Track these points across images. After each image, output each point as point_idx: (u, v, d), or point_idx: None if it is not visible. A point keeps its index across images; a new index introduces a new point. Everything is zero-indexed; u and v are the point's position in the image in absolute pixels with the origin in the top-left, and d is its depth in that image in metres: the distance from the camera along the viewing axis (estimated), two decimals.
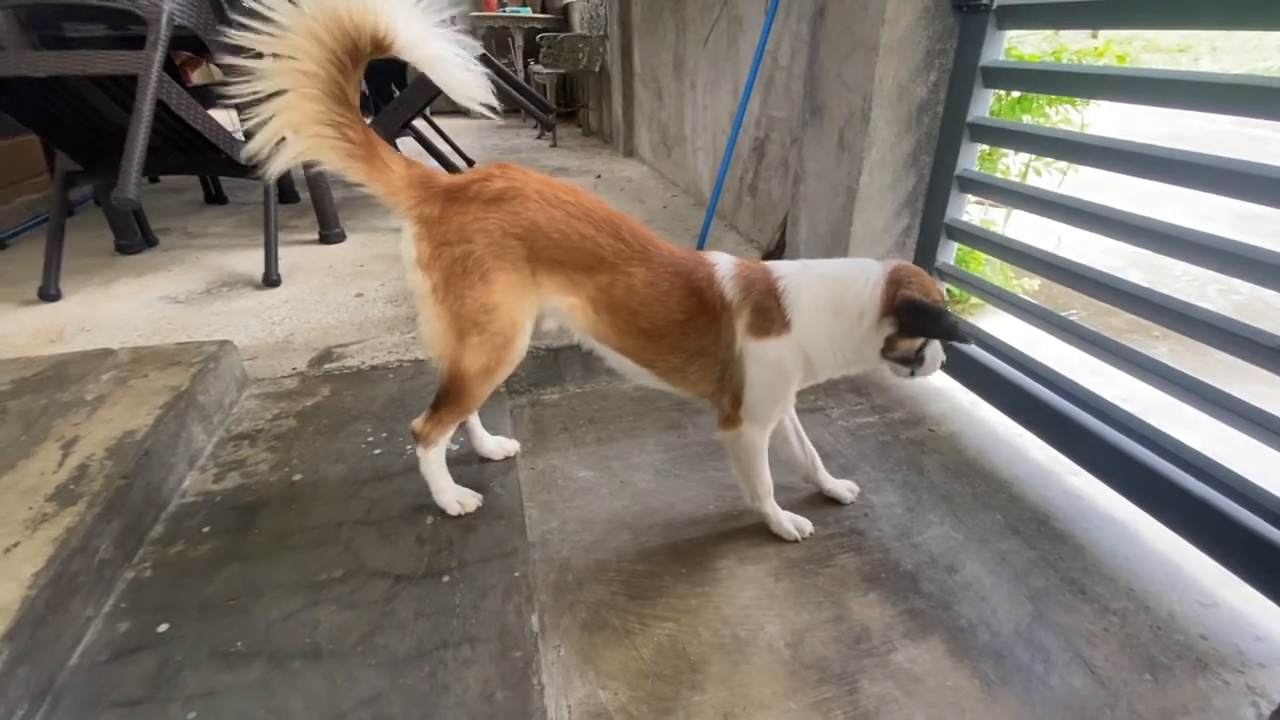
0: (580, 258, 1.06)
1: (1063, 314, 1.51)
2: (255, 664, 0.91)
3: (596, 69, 5.09)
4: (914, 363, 1.17)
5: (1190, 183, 1.18)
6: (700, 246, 2.50)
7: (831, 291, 1.12)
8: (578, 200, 1.08)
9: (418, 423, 1.16)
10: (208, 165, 2.58)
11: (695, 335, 1.12)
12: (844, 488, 1.41)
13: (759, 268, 1.15)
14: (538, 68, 5.38)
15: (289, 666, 0.90)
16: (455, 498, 1.21)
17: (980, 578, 1.24)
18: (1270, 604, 1.11)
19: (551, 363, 1.83)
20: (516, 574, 1.06)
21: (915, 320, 1.09)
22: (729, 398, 1.19)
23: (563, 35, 5.19)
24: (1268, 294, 1.13)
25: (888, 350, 1.14)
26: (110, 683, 0.90)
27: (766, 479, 1.28)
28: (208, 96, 3.01)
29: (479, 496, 1.23)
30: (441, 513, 1.21)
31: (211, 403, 1.43)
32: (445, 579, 1.05)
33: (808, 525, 1.33)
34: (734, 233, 2.87)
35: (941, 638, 1.12)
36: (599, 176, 4.05)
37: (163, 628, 0.98)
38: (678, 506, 1.42)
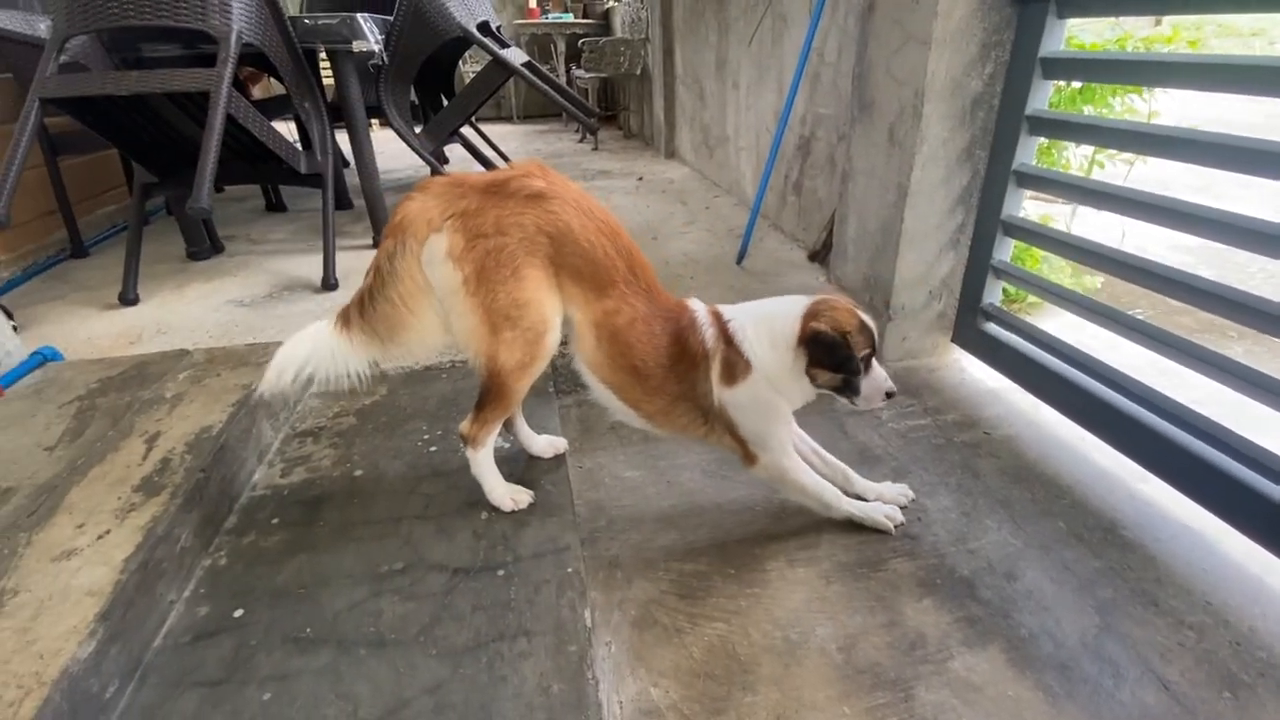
0: (599, 274, 1.08)
1: (1129, 312, 1.44)
2: (324, 650, 0.95)
3: (638, 72, 5.12)
4: (847, 392, 1.17)
5: (1268, 172, 1.12)
6: (744, 246, 2.49)
7: (766, 327, 1.16)
8: (607, 219, 1.10)
9: (464, 425, 1.19)
10: (270, 175, 2.71)
11: (676, 381, 1.16)
12: (894, 493, 1.38)
13: (717, 313, 1.20)
14: (579, 72, 5.44)
15: (355, 653, 0.94)
16: (508, 494, 1.24)
17: (1042, 586, 1.20)
18: None
19: None
20: (569, 569, 1.08)
21: (817, 351, 1.12)
22: (729, 438, 1.23)
23: (604, 40, 5.23)
24: None
25: (814, 380, 1.17)
26: (192, 663, 0.95)
27: (826, 488, 1.29)
28: (268, 109, 3.15)
29: (530, 493, 1.26)
30: (495, 509, 1.24)
31: (278, 401, 1.50)
32: (500, 573, 1.08)
33: (898, 514, 1.32)
34: (778, 232, 2.85)
35: (1001, 647, 1.09)
36: (640, 178, 4.07)
37: (238, 613, 1.03)
38: (725, 507, 1.42)
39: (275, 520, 1.22)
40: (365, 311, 1.07)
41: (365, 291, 1.07)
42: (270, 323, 2.08)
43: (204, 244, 2.74)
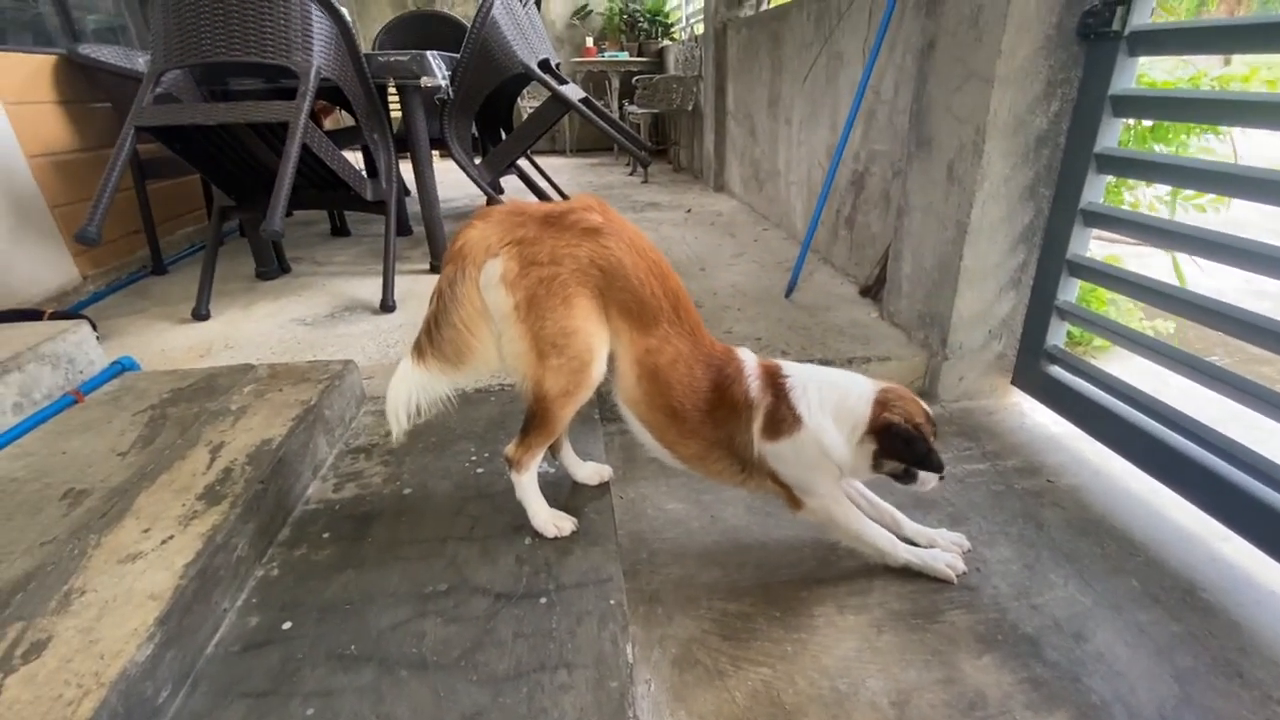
0: (644, 312, 1.08)
1: (1205, 358, 1.36)
2: (367, 668, 0.95)
3: (689, 108, 5.21)
4: (904, 479, 1.18)
5: None
6: (794, 280, 2.47)
7: (833, 397, 1.14)
8: (658, 260, 1.12)
9: (510, 449, 1.20)
10: (339, 201, 2.84)
11: (714, 427, 1.15)
12: (948, 540, 1.32)
13: (771, 367, 1.17)
14: (632, 108, 5.57)
15: (397, 674, 0.94)
16: (550, 520, 1.23)
17: (1114, 649, 1.12)
18: None
19: None
20: (611, 601, 1.06)
21: (893, 444, 1.11)
22: (771, 484, 1.20)
23: (657, 77, 5.36)
24: None
25: (876, 465, 1.16)
26: (241, 673, 0.97)
27: (881, 534, 1.25)
28: (339, 139, 3.32)
29: (574, 520, 1.25)
30: (538, 534, 1.23)
31: (334, 417, 1.55)
32: (543, 601, 1.07)
33: (960, 562, 1.27)
34: (829, 266, 2.82)
35: (1070, 714, 1.01)
36: (689, 211, 4.11)
37: (287, 625, 1.05)
38: (770, 546, 1.38)
39: (326, 535, 1.25)
40: (433, 338, 1.10)
41: (430, 319, 1.10)
42: (330, 341, 2.15)
43: (272, 265, 2.88)
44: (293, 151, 1.97)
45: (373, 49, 4.00)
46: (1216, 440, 1.32)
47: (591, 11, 7.02)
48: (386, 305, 2.38)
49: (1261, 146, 2.17)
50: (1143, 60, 1.53)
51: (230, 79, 2.82)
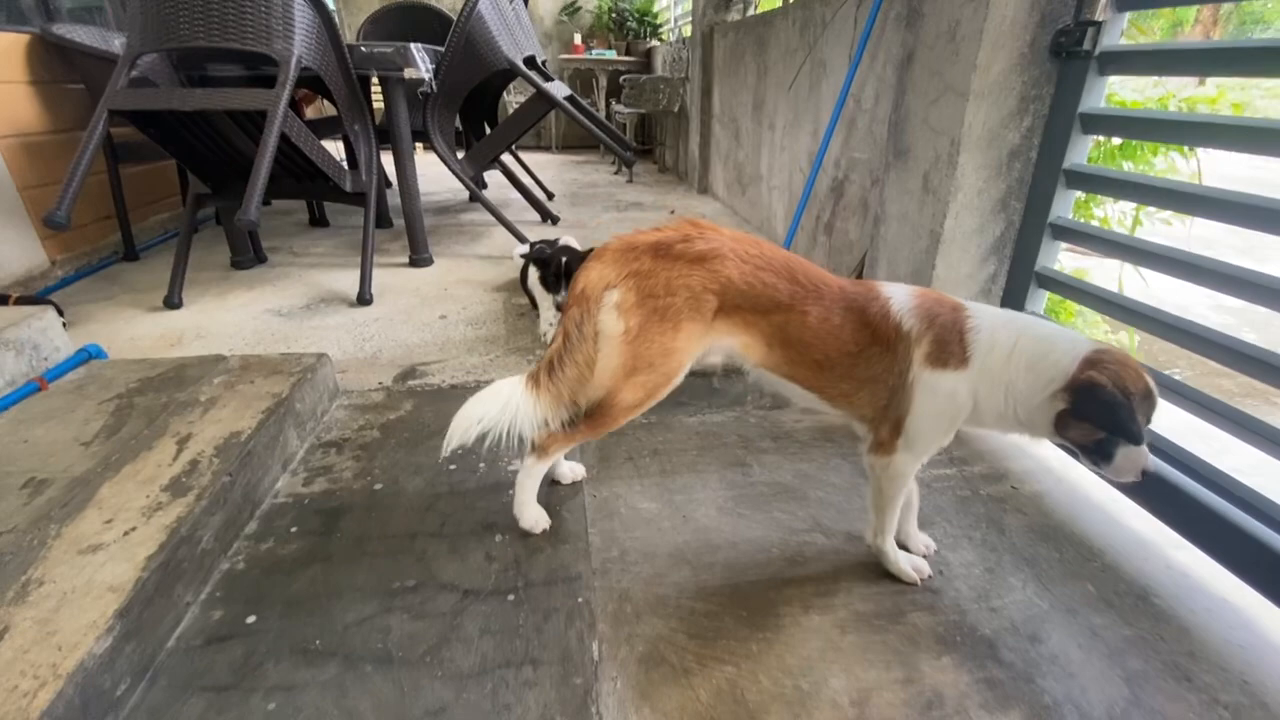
0: (760, 303, 1.13)
1: (1166, 372, 1.41)
2: (331, 663, 0.95)
3: (675, 109, 5.23)
4: (1095, 454, 1.07)
5: None
6: None
7: (1034, 347, 1.08)
8: (760, 251, 1.15)
9: (542, 435, 1.20)
10: (317, 191, 2.81)
11: (866, 365, 1.15)
12: (921, 542, 1.35)
13: (947, 302, 1.15)
14: (619, 107, 5.57)
15: (361, 669, 0.94)
16: (535, 516, 1.25)
17: (1068, 651, 1.15)
18: None
19: None
20: (579, 599, 1.07)
21: (1088, 405, 1.02)
22: (890, 425, 1.18)
23: (645, 77, 5.37)
24: None
25: (1060, 428, 1.08)
26: (202, 667, 0.96)
27: (897, 517, 1.27)
28: (319, 129, 3.29)
29: (548, 520, 1.26)
30: (510, 532, 1.23)
31: (306, 410, 1.53)
32: (510, 598, 1.07)
33: (925, 567, 1.29)
34: None
35: (1023, 714, 1.04)
36: (673, 211, 4.13)
37: (251, 619, 1.04)
38: (740, 546, 1.40)
39: (294, 529, 1.24)
40: (554, 374, 1.13)
41: (555, 355, 1.14)
42: (305, 333, 2.13)
43: (248, 254, 2.84)
44: (271, 140, 1.95)
45: (357, 39, 3.96)
46: (1173, 452, 1.36)
47: (580, 9, 7.01)
48: (364, 298, 2.36)
49: (1230, 165, 2.24)
50: (1113, 79, 1.57)
51: (208, 65, 2.77)
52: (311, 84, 2.71)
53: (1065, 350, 1.06)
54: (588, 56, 6.65)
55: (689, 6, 5.00)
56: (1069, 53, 1.49)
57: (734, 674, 1.10)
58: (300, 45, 2.15)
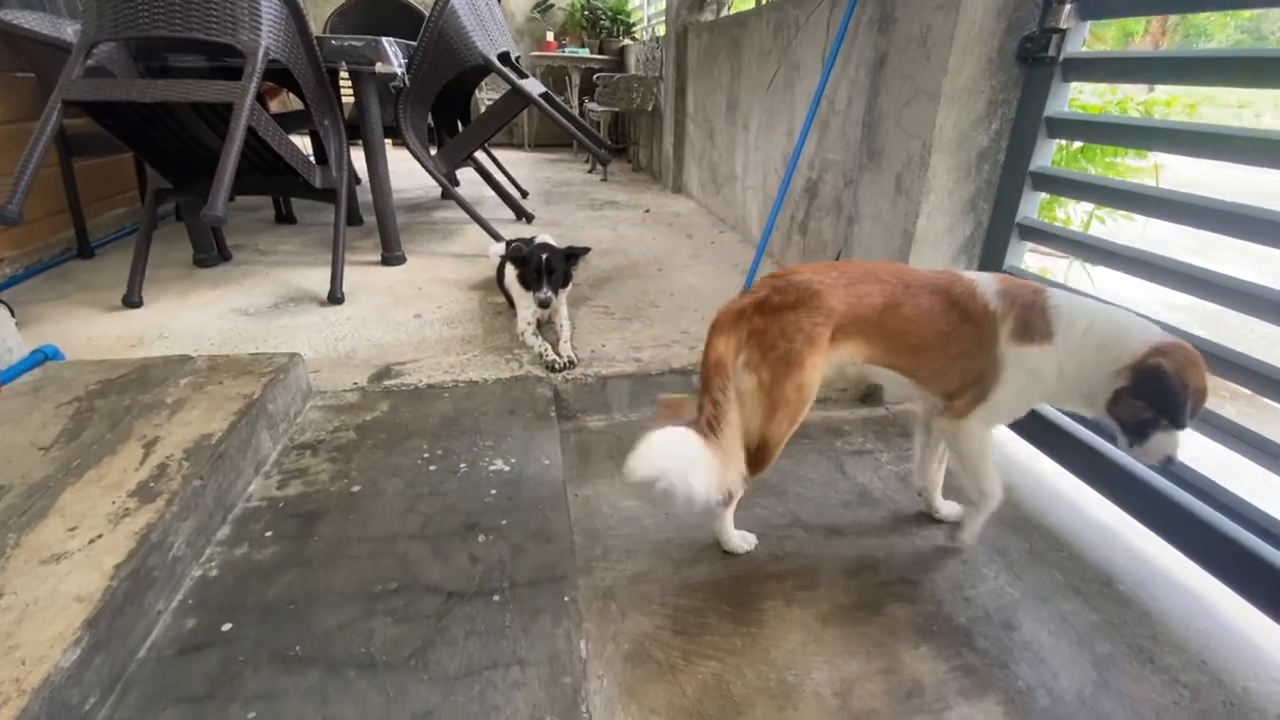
0: (859, 313, 1.22)
1: None
2: (312, 670, 0.93)
3: (649, 108, 5.23)
4: (1134, 433, 1.14)
5: (1259, 238, 1.15)
6: (749, 283, 2.52)
7: (1108, 328, 1.16)
8: (841, 270, 1.26)
9: (725, 495, 1.24)
10: (284, 187, 2.74)
11: (958, 342, 1.22)
12: (949, 509, 1.49)
13: (1027, 285, 1.24)
14: (593, 105, 5.55)
15: (344, 675, 0.92)
16: (739, 540, 1.38)
17: (1040, 638, 1.19)
18: None
19: (599, 390, 1.86)
20: (566, 598, 1.07)
21: (1148, 385, 1.09)
22: (970, 395, 1.26)
23: (618, 76, 5.36)
24: None
25: (1114, 403, 1.15)
26: (176, 677, 0.93)
27: (995, 478, 1.32)
28: (286, 123, 3.20)
29: (754, 539, 1.40)
30: (493, 532, 1.22)
31: (279, 412, 1.50)
32: (496, 598, 1.06)
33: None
34: None
35: (998, 699, 1.08)
36: (648, 211, 4.13)
37: (226, 627, 1.01)
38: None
39: (269, 533, 1.20)
40: (713, 439, 1.18)
41: (710, 420, 1.19)
42: (274, 333, 2.07)
43: (212, 251, 2.75)
44: (237, 134, 1.89)
45: (324, 31, 3.87)
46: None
47: (553, 6, 6.96)
48: (335, 297, 2.31)
49: (1187, 169, 2.33)
50: (1075, 85, 1.63)
51: (170, 55, 2.67)
52: (278, 77, 2.64)
53: (1138, 335, 1.13)
54: (561, 54, 6.61)
55: (662, 6, 5.01)
56: (1034, 59, 1.54)
57: (719, 669, 1.12)
58: (268, 37, 2.09)
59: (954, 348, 1.23)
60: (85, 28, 2.09)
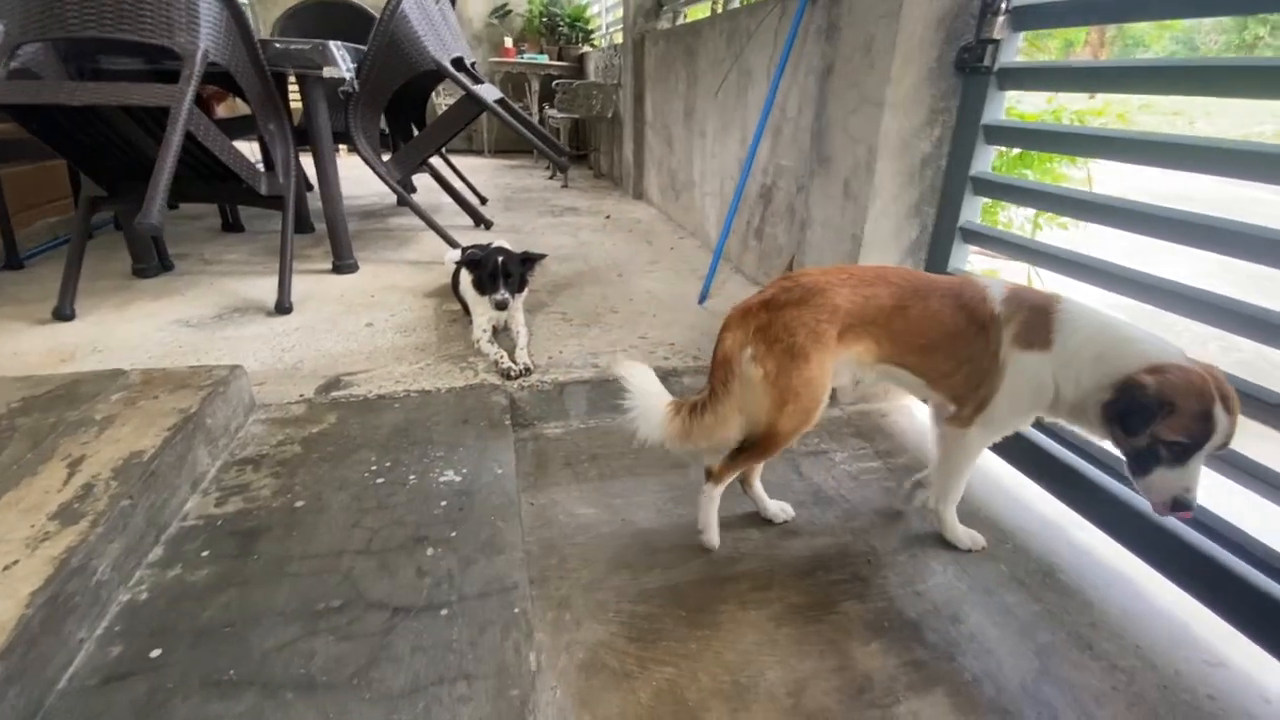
0: (867, 313, 1.26)
1: None
2: (247, 694, 0.89)
3: (609, 115, 5.25)
4: (1134, 465, 1.07)
5: (1186, 240, 1.21)
6: (707, 288, 2.54)
7: (1109, 341, 1.12)
8: (851, 273, 1.30)
9: (717, 463, 1.35)
10: (228, 194, 2.66)
11: (966, 345, 1.24)
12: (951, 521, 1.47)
13: (1039, 294, 1.24)
14: (552, 112, 5.54)
15: (281, 697, 0.89)
16: (714, 536, 1.39)
17: (985, 629, 1.22)
18: (1279, 664, 1.09)
19: (556, 397, 1.84)
20: (516, 610, 1.05)
21: (1118, 398, 1.05)
22: (976, 403, 1.27)
23: (578, 82, 5.36)
24: (1271, 352, 1.14)
25: (1104, 422, 1.10)
26: (98, 709, 0.88)
27: (962, 487, 1.38)
28: (233, 128, 3.10)
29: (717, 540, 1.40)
30: (442, 545, 1.20)
31: (218, 426, 1.44)
32: (444, 612, 1.04)
33: (980, 539, 1.41)
34: (740, 275, 2.91)
35: (946, 691, 1.10)
36: (608, 217, 4.13)
37: (155, 653, 0.96)
38: (679, 547, 1.41)
39: (205, 553, 1.16)
40: (694, 415, 1.29)
41: (700, 401, 1.30)
42: (217, 345, 2.00)
43: (152, 261, 2.64)
44: (174, 139, 1.83)
45: (272, 34, 3.77)
46: (1073, 439, 1.47)
47: (511, 12, 6.94)
48: (283, 306, 2.25)
49: (1121, 176, 2.44)
50: (1013, 94, 1.69)
51: (103, 57, 2.57)
52: (223, 81, 2.56)
53: (1141, 351, 1.07)
54: (519, 60, 6.58)
55: (621, 13, 5.04)
56: (972, 68, 1.59)
57: (674, 674, 1.11)
58: (207, 39, 2.03)
59: (962, 350, 1.25)
60: (8, 28, 1.99)
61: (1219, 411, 0.98)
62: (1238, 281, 1.70)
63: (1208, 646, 1.20)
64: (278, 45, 2.35)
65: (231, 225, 3.39)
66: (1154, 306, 1.29)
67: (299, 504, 1.28)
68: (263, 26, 5.87)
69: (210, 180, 2.41)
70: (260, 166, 2.37)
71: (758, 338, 1.25)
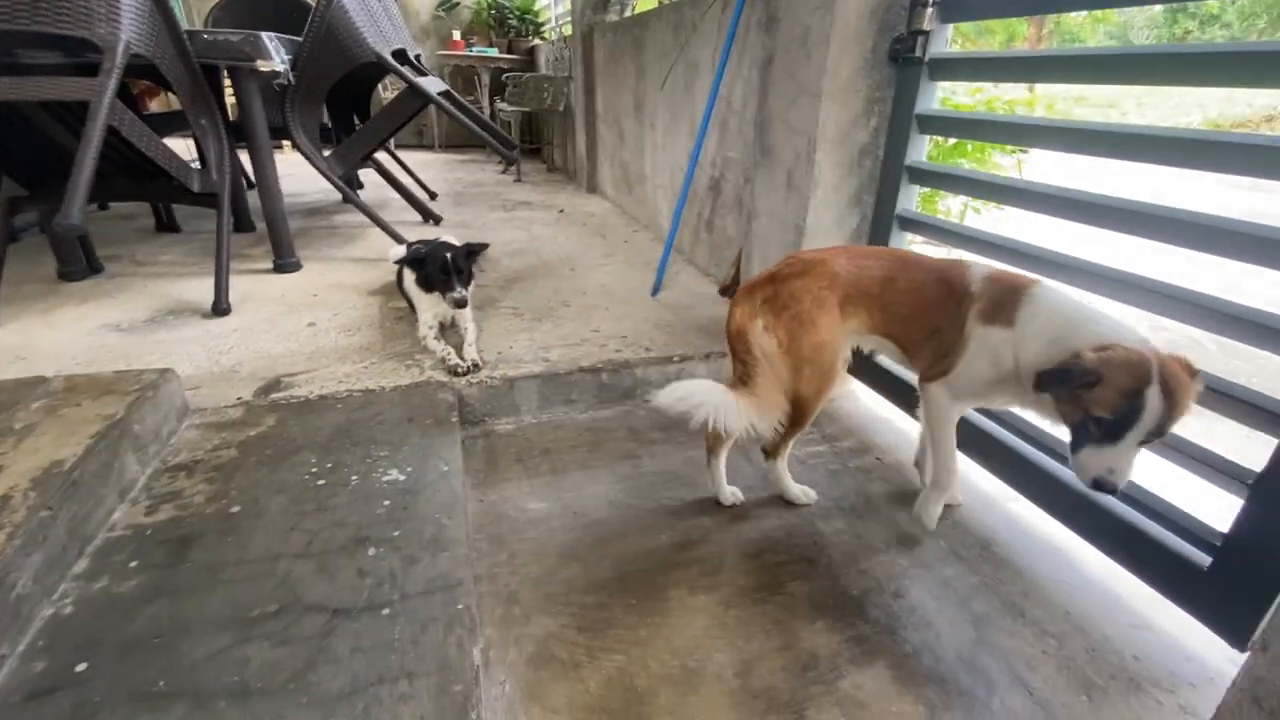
0: (863, 283, 1.34)
1: None
2: (177, 704, 0.86)
3: (561, 108, 5.21)
4: (1071, 442, 1.10)
5: (1107, 225, 1.26)
6: (659, 280, 2.55)
7: (1067, 324, 1.13)
8: (853, 249, 1.42)
9: (768, 443, 1.46)
10: (159, 192, 2.55)
11: (939, 315, 1.31)
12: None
13: (1019, 278, 1.27)
14: (503, 106, 5.47)
15: (213, 706, 0.86)
16: (800, 492, 1.53)
17: (925, 603, 1.27)
18: (1199, 625, 1.15)
19: (506, 392, 1.83)
20: (460, 606, 1.04)
21: (1047, 376, 1.07)
22: (940, 367, 1.33)
23: (528, 75, 5.30)
24: (1193, 330, 1.21)
25: (1035, 390, 1.12)
26: None
27: (954, 463, 1.40)
28: (165, 124, 2.97)
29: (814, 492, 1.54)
30: (384, 545, 1.18)
31: (148, 433, 1.38)
32: (385, 612, 1.02)
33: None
34: (692, 268, 2.93)
35: (887, 664, 1.13)
36: (562, 211, 4.11)
37: (81, 667, 0.93)
38: (630, 537, 1.42)
39: (134, 563, 1.11)
40: (748, 391, 1.33)
41: (741, 377, 1.36)
42: (149, 349, 1.92)
43: (79, 264, 2.52)
44: (94, 135, 1.74)
45: (206, 25, 3.62)
46: (1008, 418, 1.53)
47: (458, 4, 6.81)
48: (220, 308, 2.17)
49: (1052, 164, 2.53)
50: (947, 84, 1.74)
51: (22, 52, 2.42)
52: (150, 74, 2.44)
53: (1096, 333, 1.08)
54: (469, 53, 6.47)
55: (570, 6, 4.99)
56: (904, 59, 1.63)
57: (624, 662, 1.12)
58: (129, 30, 1.93)
59: (933, 321, 1.32)
60: None
61: (1151, 394, 0.97)
62: (1175, 265, 1.77)
63: (1134, 610, 1.26)
64: (206, 37, 2.26)
65: (166, 225, 3.25)
66: (1085, 289, 1.32)
67: (234, 509, 1.25)
68: (195, 18, 5.63)
69: (139, 178, 2.31)
70: (197, 163, 2.28)
71: (765, 308, 1.33)
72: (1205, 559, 1.13)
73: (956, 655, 1.16)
